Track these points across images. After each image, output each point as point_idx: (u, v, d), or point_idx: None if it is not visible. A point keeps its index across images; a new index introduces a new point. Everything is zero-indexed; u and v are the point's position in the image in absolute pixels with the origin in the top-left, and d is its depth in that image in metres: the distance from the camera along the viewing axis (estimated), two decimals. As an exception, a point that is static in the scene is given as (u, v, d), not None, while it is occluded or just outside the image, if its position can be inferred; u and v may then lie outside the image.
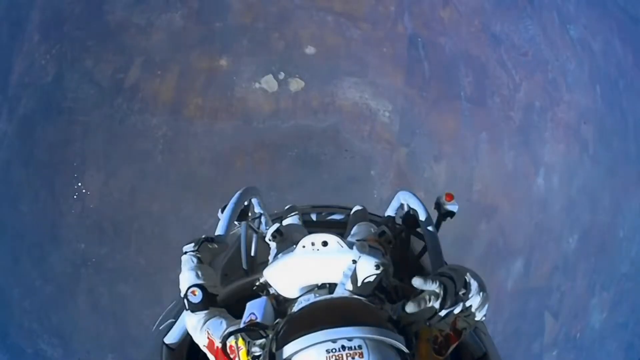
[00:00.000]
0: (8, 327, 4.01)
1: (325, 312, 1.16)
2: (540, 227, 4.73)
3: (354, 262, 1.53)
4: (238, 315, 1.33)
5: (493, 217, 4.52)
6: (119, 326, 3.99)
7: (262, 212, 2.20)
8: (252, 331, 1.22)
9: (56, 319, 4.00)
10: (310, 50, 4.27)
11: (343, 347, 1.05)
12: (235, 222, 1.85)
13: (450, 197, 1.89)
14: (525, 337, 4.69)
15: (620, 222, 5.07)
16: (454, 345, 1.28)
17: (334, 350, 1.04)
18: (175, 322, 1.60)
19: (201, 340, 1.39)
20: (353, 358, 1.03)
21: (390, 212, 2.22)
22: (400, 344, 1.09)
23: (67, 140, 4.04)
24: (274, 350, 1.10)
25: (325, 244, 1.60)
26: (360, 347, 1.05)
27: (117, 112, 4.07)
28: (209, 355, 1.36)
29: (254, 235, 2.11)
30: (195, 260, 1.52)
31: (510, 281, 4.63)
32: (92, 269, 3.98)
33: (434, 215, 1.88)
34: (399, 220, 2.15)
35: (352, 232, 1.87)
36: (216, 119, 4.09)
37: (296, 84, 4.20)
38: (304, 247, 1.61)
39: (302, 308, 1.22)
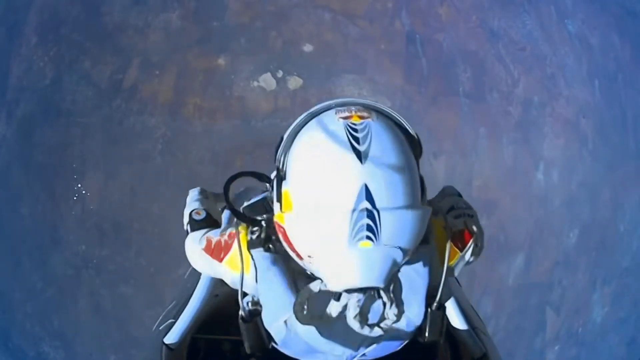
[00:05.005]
0: (10, 330, 4.01)
1: None
2: (540, 222, 4.72)
3: None
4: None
5: (493, 213, 4.51)
6: (121, 327, 3.99)
7: None
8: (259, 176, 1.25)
9: (58, 321, 3.99)
10: (308, 48, 4.27)
11: (350, 110, 1.04)
12: None
13: None
14: (526, 333, 4.69)
15: (621, 217, 5.06)
16: (468, 248, 1.24)
17: (343, 111, 1.03)
18: (175, 322, 1.60)
19: (198, 249, 1.32)
20: (362, 116, 1.00)
21: None
22: (409, 127, 1.09)
23: (66, 142, 4.04)
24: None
25: None
26: (368, 108, 1.06)
27: (116, 113, 4.07)
28: (205, 262, 1.32)
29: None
30: (199, 193, 1.59)
31: (511, 277, 4.62)
32: (93, 270, 3.99)
33: None
34: None
35: None
36: (215, 118, 4.10)
37: (294, 82, 4.20)
38: None
39: None
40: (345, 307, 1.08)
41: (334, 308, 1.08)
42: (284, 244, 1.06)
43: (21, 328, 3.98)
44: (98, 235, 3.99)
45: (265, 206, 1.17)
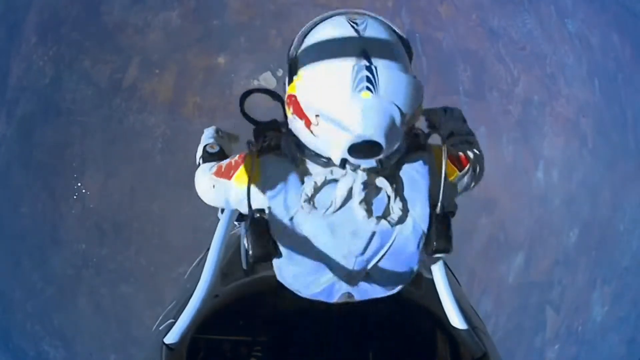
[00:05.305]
0: (10, 329, 4.01)
1: None
2: (540, 221, 4.72)
3: None
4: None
5: (493, 212, 4.51)
6: (121, 327, 3.99)
7: None
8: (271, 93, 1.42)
9: (58, 320, 4.00)
10: (308, 47, 4.26)
11: (351, 13, 1.16)
12: (235, 222, 1.85)
13: None
14: (526, 332, 4.70)
15: (621, 216, 5.06)
16: (467, 171, 1.32)
17: (345, 14, 1.16)
18: (175, 322, 1.59)
19: (208, 175, 1.36)
20: (363, 18, 1.14)
21: None
22: (401, 32, 1.18)
23: (66, 141, 4.04)
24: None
25: None
26: (367, 16, 1.17)
27: (116, 112, 4.06)
28: (213, 186, 1.36)
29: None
30: (214, 132, 1.66)
31: (511, 276, 4.63)
32: (93, 269, 3.99)
33: None
34: None
35: None
36: (215, 117, 4.09)
37: (294, 82, 4.19)
38: None
39: None
40: (350, 191, 1.16)
41: (339, 192, 1.17)
42: (292, 119, 1.14)
43: (21, 328, 3.99)
44: (98, 234, 3.99)
45: (275, 126, 1.35)
